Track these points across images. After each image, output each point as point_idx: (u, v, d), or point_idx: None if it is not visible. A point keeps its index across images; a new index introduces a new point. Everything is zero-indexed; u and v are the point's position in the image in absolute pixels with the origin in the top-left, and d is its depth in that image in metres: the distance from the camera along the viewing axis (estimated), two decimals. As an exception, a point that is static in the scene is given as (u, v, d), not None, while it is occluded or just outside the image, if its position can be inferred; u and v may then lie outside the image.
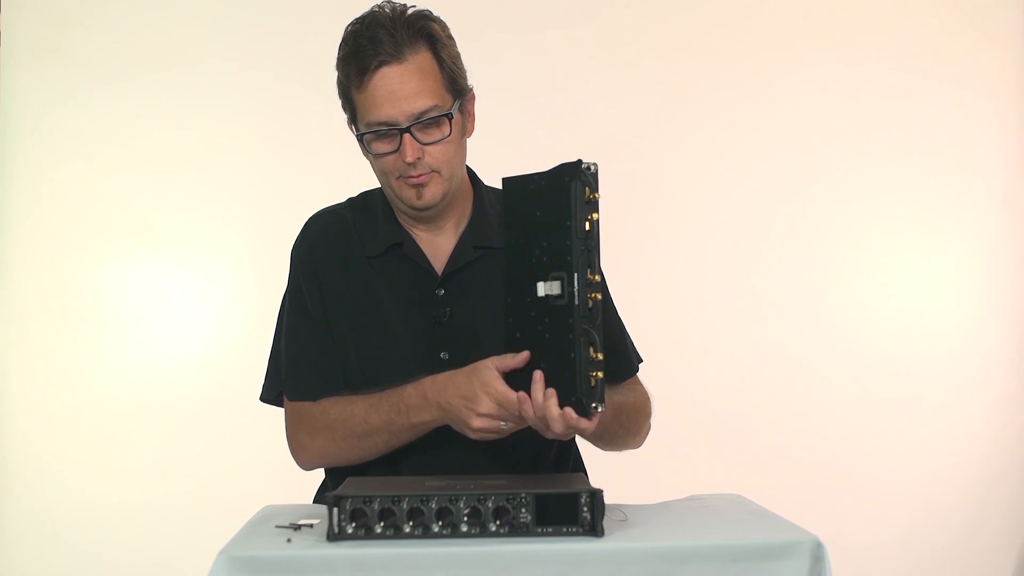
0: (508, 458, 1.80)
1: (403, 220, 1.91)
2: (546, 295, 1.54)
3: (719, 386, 3.59)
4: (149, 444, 3.45)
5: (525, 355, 1.59)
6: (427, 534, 1.43)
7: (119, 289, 3.51)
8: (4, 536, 3.43)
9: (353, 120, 1.85)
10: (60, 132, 3.48)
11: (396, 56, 1.76)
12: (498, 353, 1.64)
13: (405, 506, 1.43)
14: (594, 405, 1.51)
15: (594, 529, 1.44)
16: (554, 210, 1.55)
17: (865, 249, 3.69)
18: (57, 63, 3.48)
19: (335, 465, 1.89)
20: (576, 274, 1.51)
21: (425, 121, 1.77)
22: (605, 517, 1.45)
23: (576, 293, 1.50)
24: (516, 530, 1.44)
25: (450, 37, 1.84)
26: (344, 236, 1.93)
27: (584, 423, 1.55)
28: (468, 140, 1.89)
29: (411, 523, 1.43)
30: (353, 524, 1.43)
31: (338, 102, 1.90)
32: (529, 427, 1.66)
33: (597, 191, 1.52)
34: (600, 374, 1.51)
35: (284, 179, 3.52)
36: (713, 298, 3.63)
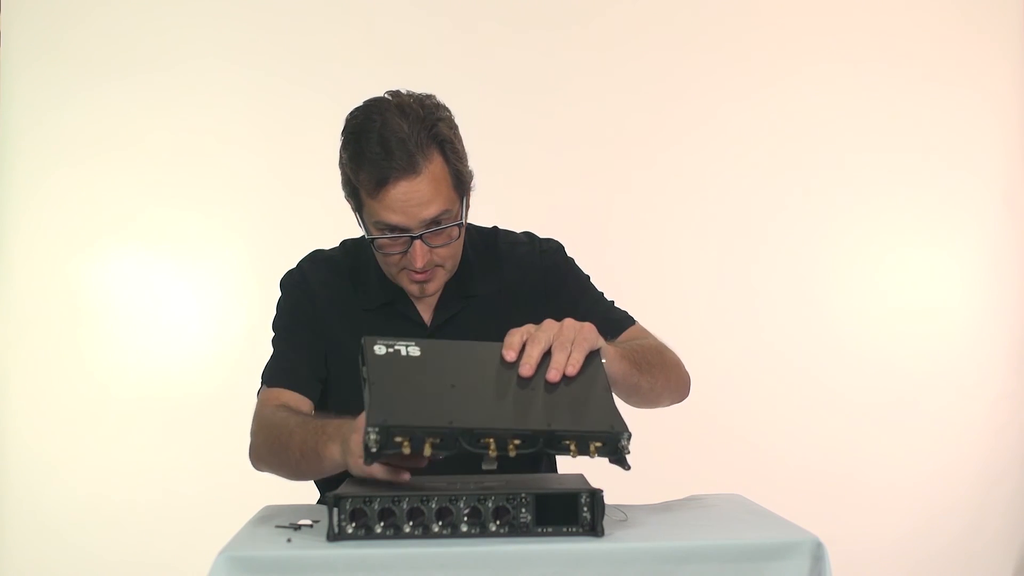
0: (507, 459, 1.80)
1: None
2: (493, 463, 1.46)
3: (719, 386, 3.58)
4: (149, 444, 3.45)
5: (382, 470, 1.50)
6: (427, 534, 1.43)
7: (119, 289, 3.51)
8: (4, 536, 3.42)
9: (358, 210, 1.87)
10: (60, 132, 3.48)
11: (411, 169, 1.77)
12: None
13: (405, 506, 1.43)
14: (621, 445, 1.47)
15: (594, 529, 1.43)
16: None
17: (865, 249, 3.69)
18: (57, 63, 3.48)
19: (268, 471, 1.87)
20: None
21: (435, 229, 1.81)
22: (605, 517, 1.45)
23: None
24: (516, 530, 1.43)
25: (455, 129, 1.85)
26: (341, 285, 1.98)
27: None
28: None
29: (411, 523, 1.43)
30: (353, 524, 1.42)
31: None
32: None
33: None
34: (593, 446, 1.45)
35: (284, 178, 3.52)
36: (712, 298, 3.63)
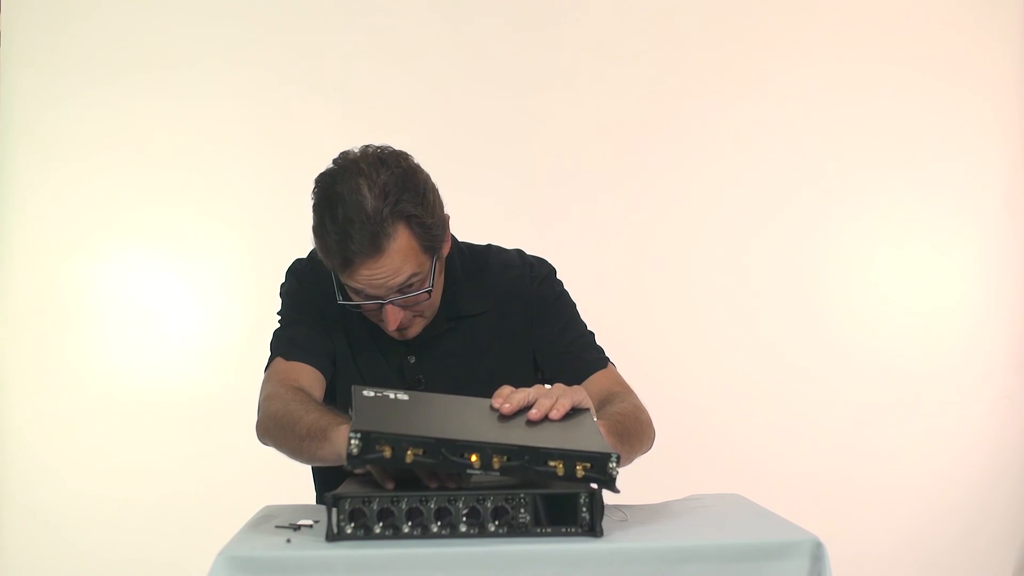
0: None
1: None
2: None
3: (719, 386, 3.58)
4: (149, 444, 3.45)
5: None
6: (426, 534, 1.43)
7: (118, 289, 3.51)
8: (4, 536, 3.42)
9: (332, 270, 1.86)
10: (60, 132, 3.48)
11: (374, 251, 1.74)
12: None
13: (404, 506, 1.43)
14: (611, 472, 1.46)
15: (593, 529, 1.44)
16: None
17: (865, 249, 3.69)
18: (57, 63, 3.48)
19: (272, 446, 1.83)
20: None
21: (405, 294, 1.81)
22: (605, 517, 1.45)
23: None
24: (515, 530, 1.43)
25: (424, 195, 1.79)
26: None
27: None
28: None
29: (410, 523, 1.43)
30: (352, 524, 1.43)
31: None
32: None
33: None
34: (581, 466, 1.44)
35: (284, 178, 3.51)
36: (712, 299, 3.63)
